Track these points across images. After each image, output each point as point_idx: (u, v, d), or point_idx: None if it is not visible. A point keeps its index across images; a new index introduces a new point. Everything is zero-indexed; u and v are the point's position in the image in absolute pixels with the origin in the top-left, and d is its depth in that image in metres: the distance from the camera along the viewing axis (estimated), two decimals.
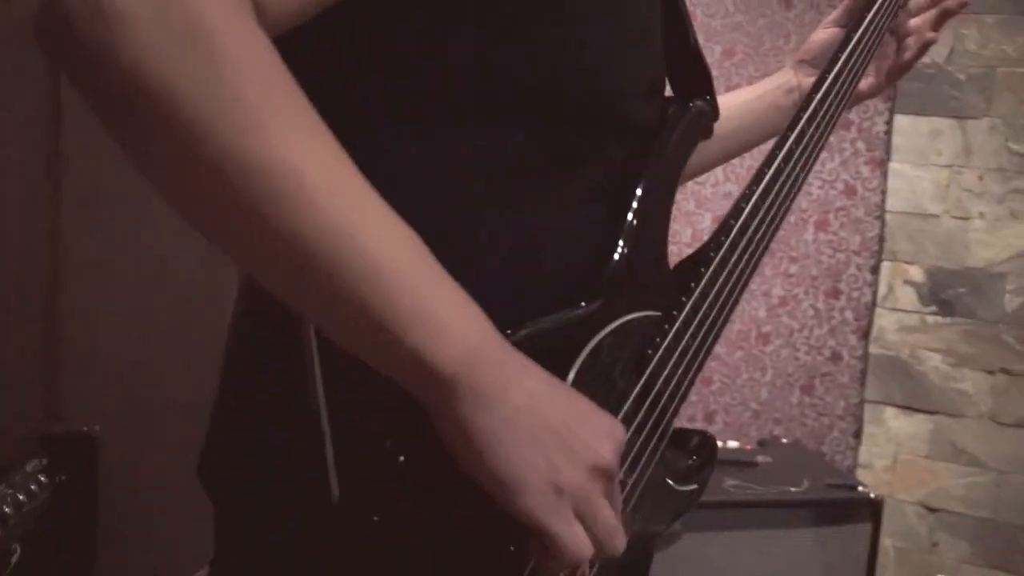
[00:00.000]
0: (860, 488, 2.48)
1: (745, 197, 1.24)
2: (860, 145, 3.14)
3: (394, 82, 0.99)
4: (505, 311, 0.94)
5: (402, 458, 0.88)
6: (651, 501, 1.13)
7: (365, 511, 0.89)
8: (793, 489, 2.45)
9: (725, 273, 1.18)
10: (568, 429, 0.87)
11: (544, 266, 1.05)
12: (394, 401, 0.86)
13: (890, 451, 3.15)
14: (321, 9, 0.88)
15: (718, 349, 3.03)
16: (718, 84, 3.03)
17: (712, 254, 1.16)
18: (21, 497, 2.06)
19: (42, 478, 2.16)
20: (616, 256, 1.09)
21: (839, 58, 1.36)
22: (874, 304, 3.16)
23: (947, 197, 3.05)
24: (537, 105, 1.02)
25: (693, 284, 1.13)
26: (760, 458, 2.62)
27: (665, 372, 1.09)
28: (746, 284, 1.22)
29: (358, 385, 0.89)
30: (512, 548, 0.91)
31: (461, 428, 0.83)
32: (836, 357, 3.22)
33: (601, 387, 1.03)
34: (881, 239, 3.13)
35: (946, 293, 3.05)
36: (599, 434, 0.89)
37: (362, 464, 0.90)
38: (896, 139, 3.10)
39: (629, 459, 1.06)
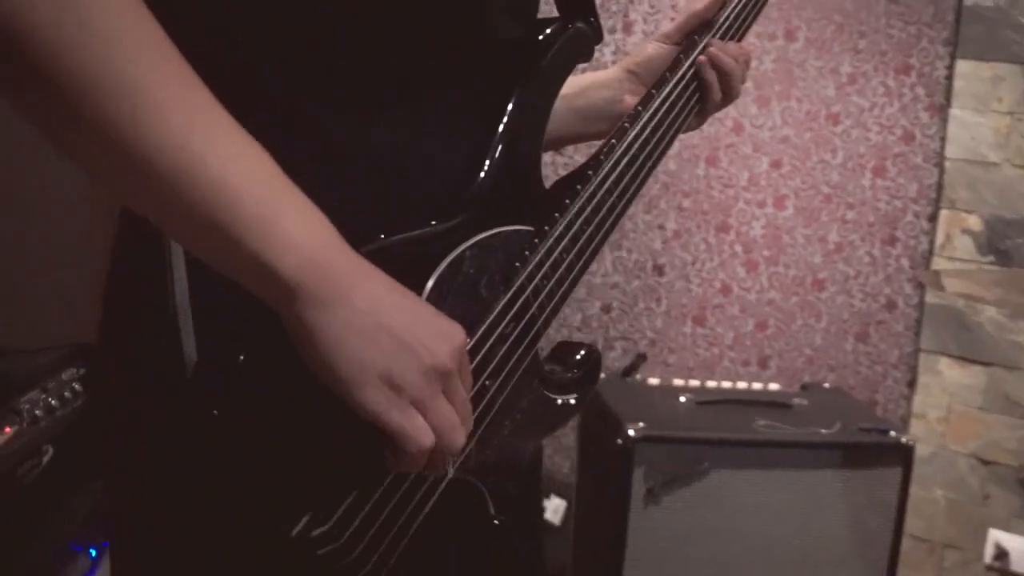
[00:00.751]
0: (892, 433, 2.48)
1: (632, 117, 1.30)
2: (920, 91, 3.10)
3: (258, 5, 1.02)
4: (369, 223, 1.00)
5: (242, 357, 0.92)
6: (525, 408, 1.18)
7: (208, 404, 0.93)
8: (823, 431, 2.47)
9: (603, 192, 1.22)
10: (407, 331, 0.91)
11: (410, 180, 1.10)
12: (245, 302, 0.90)
13: (944, 402, 3.14)
14: None
15: (773, 294, 3.05)
16: (777, 26, 3.01)
17: (590, 172, 1.22)
18: (53, 402, 2.11)
19: (77, 386, 2.19)
20: (482, 173, 1.12)
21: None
22: (931, 253, 3.13)
23: (1007, 145, 3.00)
24: (397, 15, 1.05)
25: (568, 201, 1.18)
26: (797, 400, 2.65)
27: (533, 284, 1.13)
28: (626, 206, 1.27)
29: (214, 285, 0.92)
30: (359, 447, 0.95)
31: (305, 329, 0.88)
32: (891, 305, 3.20)
33: (465, 296, 1.07)
34: (939, 187, 3.10)
35: (1004, 243, 3.01)
36: (437, 337, 0.93)
37: (212, 356, 0.94)
38: (957, 84, 3.05)
39: (492, 365, 1.10)
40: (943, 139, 3.08)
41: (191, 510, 1.00)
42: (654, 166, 1.34)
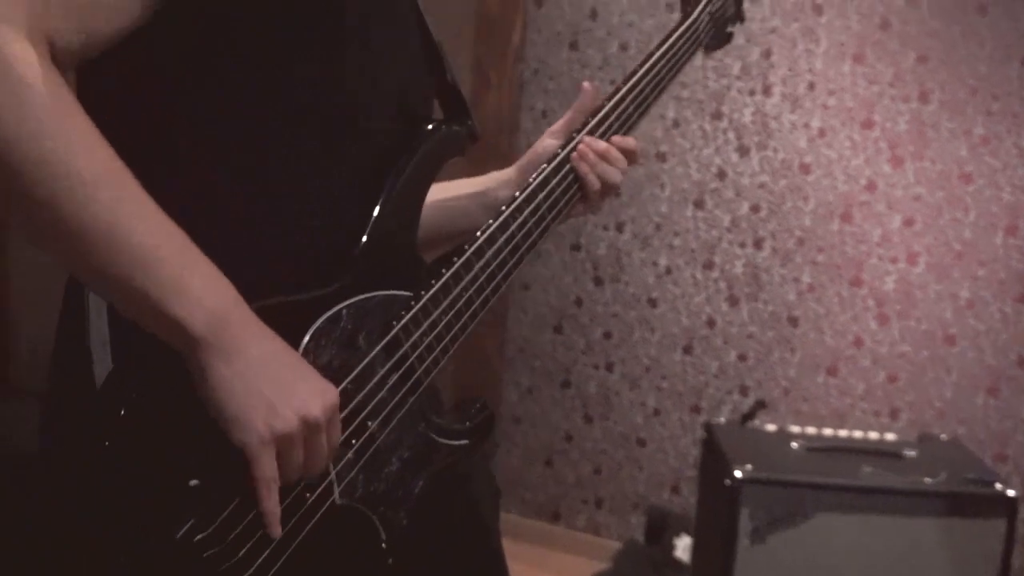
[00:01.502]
0: (997, 485, 2.49)
1: (509, 202, 1.39)
2: None
3: (177, 103, 1.15)
4: (256, 286, 1.11)
5: (136, 391, 1.04)
6: (412, 448, 1.29)
7: (112, 407, 1.04)
8: (927, 479, 2.50)
9: (481, 263, 1.32)
10: (289, 385, 1.05)
11: (295, 249, 1.22)
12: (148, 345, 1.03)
13: None
14: (101, 52, 1.05)
15: (904, 347, 3.11)
16: (911, 89, 3.12)
17: (466, 247, 1.32)
18: None
19: None
20: (359, 245, 1.24)
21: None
22: None
23: None
24: (292, 115, 1.19)
25: (444, 270, 1.29)
26: (908, 450, 2.67)
27: (412, 339, 1.25)
28: (507, 276, 1.37)
29: (126, 333, 1.05)
30: (232, 469, 1.05)
31: (204, 372, 1.01)
32: (1022, 362, 3.21)
33: (343, 347, 1.19)
34: None
35: None
36: (314, 394, 1.07)
37: (117, 379, 1.06)
38: None
39: (371, 407, 1.21)
40: None
41: (87, 511, 1.09)
42: (534, 244, 1.42)
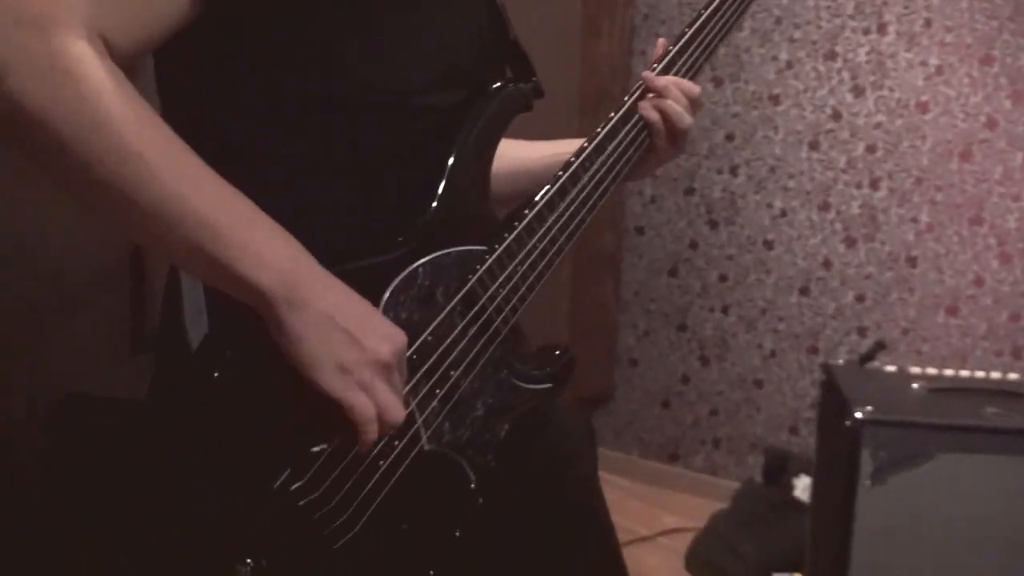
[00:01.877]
0: None
1: (577, 152, 1.39)
2: None
3: (231, 112, 1.21)
4: (338, 254, 1.16)
5: (229, 352, 1.10)
6: (496, 394, 1.31)
7: (207, 369, 1.10)
8: None
9: (554, 215, 1.34)
10: (357, 331, 1.09)
11: (369, 223, 1.25)
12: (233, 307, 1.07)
13: None
14: (157, 46, 1.10)
15: None
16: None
17: (537, 199, 1.34)
18: None
19: None
20: (433, 204, 1.26)
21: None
22: None
23: None
24: (352, 109, 1.22)
25: (516, 223, 1.31)
26: None
27: (489, 292, 1.28)
28: (579, 226, 1.38)
29: (212, 298, 1.12)
30: (324, 418, 1.10)
31: (282, 328, 1.06)
32: None
33: (422, 303, 1.23)
34: None
35: None
36: (381, 337, 1.10)
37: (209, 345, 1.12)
38: None
39: (452, 357, 1.24)
40: None
41: (190, 467, 1.12)
42: (605, 192, 1.42)
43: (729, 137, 3.70)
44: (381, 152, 1.25)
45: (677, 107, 1.46)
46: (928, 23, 3.36)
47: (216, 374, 1.09)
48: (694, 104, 1.49)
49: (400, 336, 1.13)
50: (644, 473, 3.95)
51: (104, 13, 1.01)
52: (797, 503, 3.26)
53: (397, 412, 1.12)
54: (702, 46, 1.52)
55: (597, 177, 1.39)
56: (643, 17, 3.82)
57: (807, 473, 3.21)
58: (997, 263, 3.35)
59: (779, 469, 3.45)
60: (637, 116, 1.45)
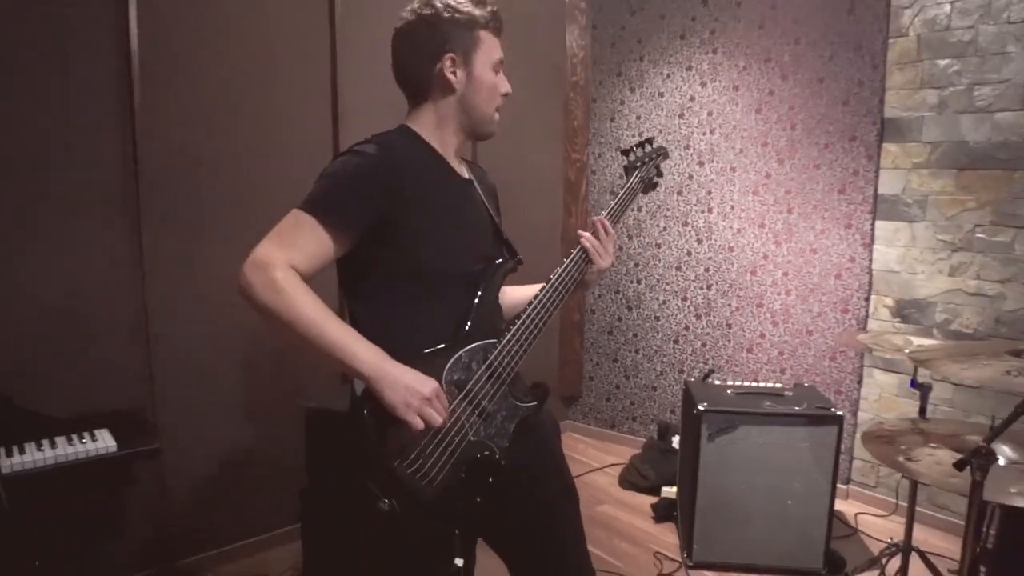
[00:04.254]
0: (832, 409, 2.47)
1: (542, 290, 1.31)
2: None
3: (366, 279, 1.21)
4: (423, 343, 1.20)
5: (366, 412, 1.11)
6: (505, 408, 1.27)
7: (360, 409, 1.12)
8: (796, 407, 2.49)
9: (529, 319, 1.29)
10: (410, 385, 1.10)
11: (436, 332, 1.23)
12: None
13: (876, 392, 3.14)
14: (322, 268, 1.14)
15: (787, 337, 3.08)
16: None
17: (520, 314, 1.28)
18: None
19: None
20: (466, 326, 1.25)
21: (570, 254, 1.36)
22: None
23: None
24: (427, 276, 1.22)
25: (510, 327, 1.27)
26: (787, 393, 2.66)
27: (499, 359, 1.25)
28: (538, 331, 1.30)
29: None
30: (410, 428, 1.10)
31: (376, 390, 1.09)
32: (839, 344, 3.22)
33: (464, 370, 1.21)
34: None
35: None
36: (423, 384, 1.11)
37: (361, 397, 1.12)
38: None
39: (482, 392, 1.21)
40: None
41: (362, 454, 1.12)
42: (557, 305, 1.31)
43: (636, 264, 3.75)
44: (443, 297, 1.25)
45: (603, 242, 1.38)
46: (732, 207, 3.41)
47: (365, 412, 1.12)
48: (612, 241, 1.40)
49: (431, 383, 1.12)
50: (597, 435, 3.93)
51: (293, 257, 1.10)
52: (674, 450, 3.24)
53: (437, 421, 1.12)
54: (615, 217, 1.43)
55: (553, 297, 1.33)
56: (592, 206, 3.92)
57: (679, 434, 3.16)
58: (771, 326, 3.36)
59: (665, 432, 3.48)
60: (579, 256, 1.35)
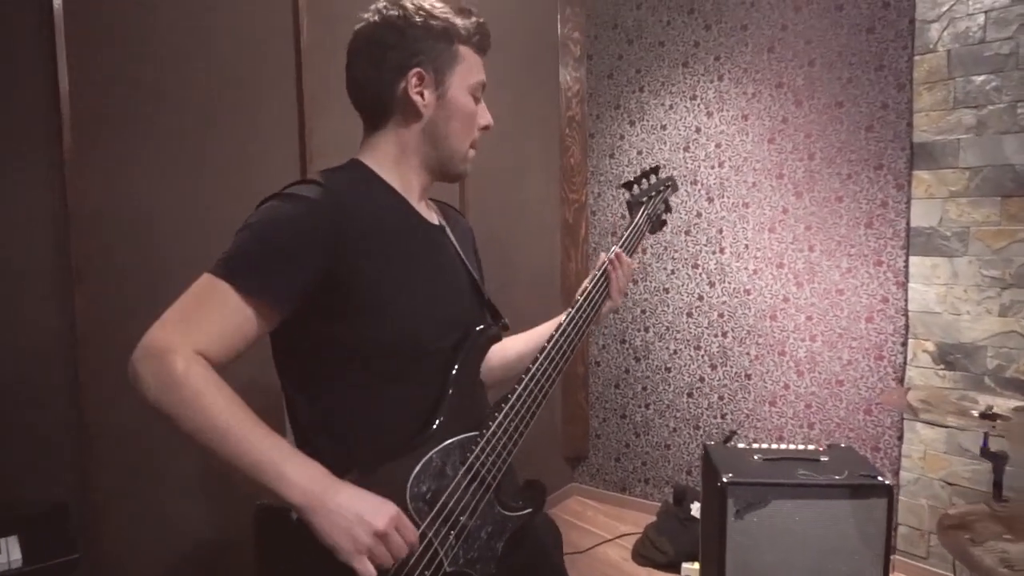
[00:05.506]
0: (879, 478, 2.20)
1: (532, 362, 1.12)
2: None
3: (305, 360, 1.04)
4: (382, 446, 1.00)
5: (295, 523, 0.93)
6: (490, 522, 1.07)
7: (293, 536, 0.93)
8: (836, 477, 2.23)
9: (518, 405, 1.09)
10: (359, 515, 0.90)
11: (397, 430, 1.04)
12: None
13: (921, 449, 2.79)
14: (244, 350, 0.96)
15: (809, 389, 2.78)
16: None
17: (509, 395, 1.10)
18: None
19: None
20: (437, 419, 1.04)
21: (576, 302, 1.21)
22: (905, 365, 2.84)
23: None
24: (385, 356, 1.03)
25: (496, 413, 1.08)
26: (822, 457, 2.39)
27: (480, 460, 1.04)
28: (538, 407, 1.12)
29: None
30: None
31: (308, 521, 0.90)
32: (879, 392, 2.91)
33: (435, 479, 1.01)
34: None
35: None
36: (376, 514, 0.91)
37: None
38: None
39: (461, 505, 1.02)
40: None
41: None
42: (552, 381, 1.13)
43: (643, 311, 3.51)
44: (407, 382, 1.05)
45: (623, 274, 1.26)
46: (747, 246, 3.19)
47: (303, 552, 0.93)
48: (629, 276, 1.29)
49: (389, 507, 0.93)
50: (607, 499, 3.66)
51: (198, 339, 0.91)
52: (693, 519, 3.02)
53: (390, 561, 0.93)
54: (629, 251, 1.31)
55: (547, 372, 1.13)
56: (593, 249, 3.67)
57: (698, 500, 2.98)
58: (796, 376, 3.10)
59: (682, 497, 3.19)
60: (579, 318, 1.20)
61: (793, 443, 2.65)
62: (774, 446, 2.53)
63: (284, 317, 0.98)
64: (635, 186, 1.44)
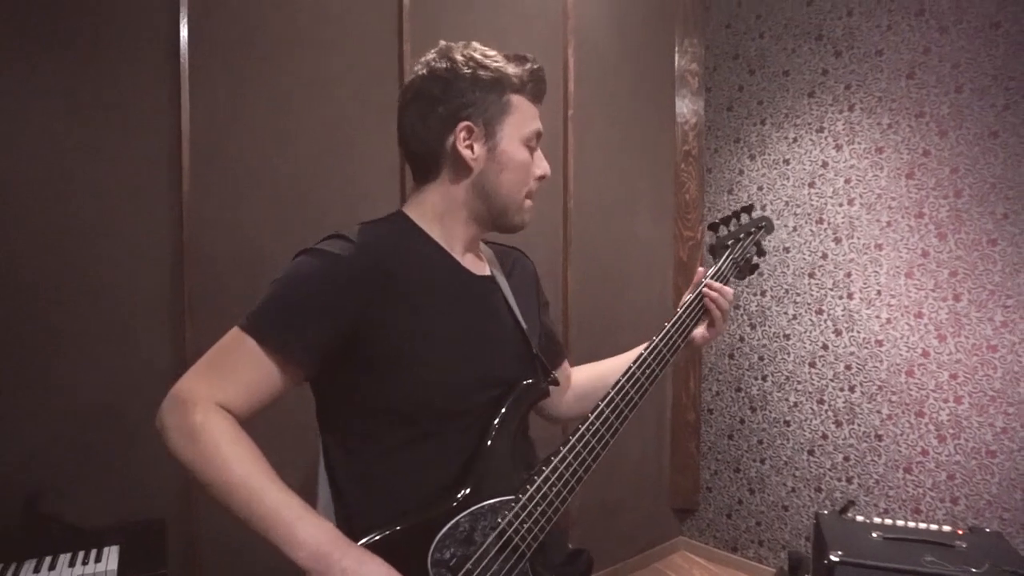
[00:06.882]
0: None
1: (584, 420, 1.05)
2: None
3: (339, 410, 1.01)
4: (411, 508, 0.96)
5: None
6: None
7: None
8: (973, 569, 1.89)
9: (562, 467, 1.02)
10: None
11: (425, 492, 0.99)
12: None
13: None
14: (269, 403, 0.95)
15: (958, 457, 2.46)
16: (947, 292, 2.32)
17: (552, 457, 1.03)
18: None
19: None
20: (471, 476, 0.99)
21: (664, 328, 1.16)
22: None
23: None
24: (416, 414, 0.99)
25: (535, 476, 1.01)
26: (959, 542, 2.05)
27: (513, 527, 0.98)
28: (594, 460, 1.04)
29: None
30: None
31: None
32: None
33: (461, 545, 0.96)
34: None
35: None
36: None
37: None
38: None
39: (490, 573, 0.95)
40: None
41: None
42: (604, 447, 1.04)
43: (760, 358, 3.24)
44: (440, 440, 1.00)
45: (724, 300, 1.21)
46: (879, 292, 2.85)
47: None
48: (730, 301, 1.23)
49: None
50: (716, 558, 3.38)
51: (223, 392, 0.91)
52: None
53: None
54: (690, 317, 1.21)
55: (601, 431, 1.05)
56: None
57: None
58: (936, 441, 2.71)
59: (798, 565, 2.87)
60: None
61: (930, 520, 2.31)
62: (900, 523, 2.21)
63: (309, 372, 0.96)
64: (723, 227, 1.35)
